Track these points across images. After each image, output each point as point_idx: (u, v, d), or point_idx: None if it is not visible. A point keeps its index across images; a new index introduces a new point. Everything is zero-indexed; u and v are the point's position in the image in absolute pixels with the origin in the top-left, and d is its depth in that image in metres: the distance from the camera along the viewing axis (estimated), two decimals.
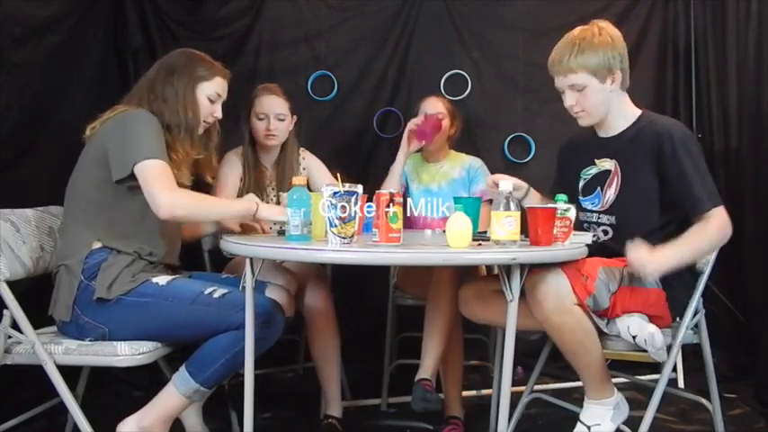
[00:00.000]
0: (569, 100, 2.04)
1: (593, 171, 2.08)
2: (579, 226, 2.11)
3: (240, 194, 2.49)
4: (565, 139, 2.31)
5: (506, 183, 1.72)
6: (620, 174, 2.02)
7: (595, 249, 2.01)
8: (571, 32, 2.03)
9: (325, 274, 2.58)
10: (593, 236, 2.08)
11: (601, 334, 1.86)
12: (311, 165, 2.69)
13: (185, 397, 1.84)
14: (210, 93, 2.05)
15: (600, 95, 2.00)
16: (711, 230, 1.87)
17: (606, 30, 2.01)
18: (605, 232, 2.04)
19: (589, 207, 2.09)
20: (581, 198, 2.11)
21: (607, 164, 2.05)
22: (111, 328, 1.84)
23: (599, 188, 2.05)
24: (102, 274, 1.86)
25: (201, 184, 2.19)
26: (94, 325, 1.85)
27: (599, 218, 2.06)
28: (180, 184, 1.94)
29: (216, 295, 1.85)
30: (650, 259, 1.80)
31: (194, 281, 1.98)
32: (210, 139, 2.15)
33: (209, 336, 1.84)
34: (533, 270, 1.76)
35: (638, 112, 2.07)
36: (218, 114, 2.10)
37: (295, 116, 2.60)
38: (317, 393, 2.42)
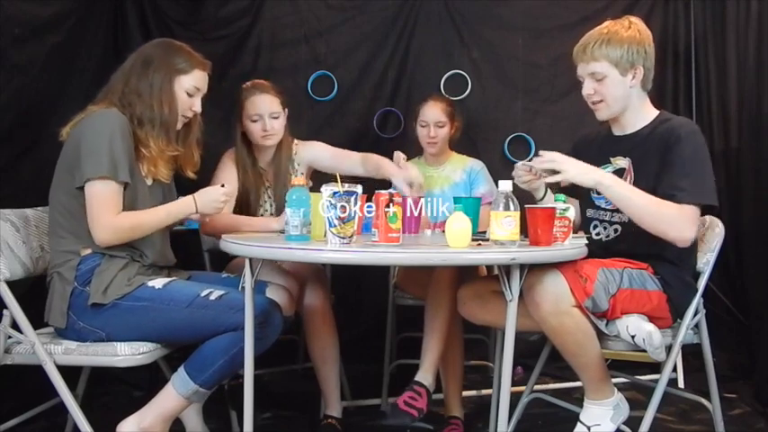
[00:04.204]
0: (587, 88, 2.03)
1: (609, 169, 2.06)
2: (588, 223, 2.12)
3: (238, 198, 2.41)
4: (579, 135, 2.30)
5: (506, 183, 1.72)
6: (632, 172, 2.01)
7: (597, 249, 2.01)
8: (603, 24, 2.04)
9: (324, 275, 2.57)
10: (596, 234, 2.08)
11: (600, 334, 1.86)
12: (308, 153, 2.57)
13: (184, 398, 1.84)
14: (189, 87, 1.98)
15: (619, 88, 2.00)
16: (667, 209, 1.84)
17: (636, 25, 2.01)
18: (616, 230, 2.04)
19: (603, 205, 2.07)
20: (595, 196, 2.09)
21: (621, 162, 2.04)
22: (109, 333, 1.83)
23: None
24: (97, 279, 1.85)
25: (183, 179, 2.12)
26: (91, 330, 1.83)
27: (612, 216, 2.04)
28: (157, 181, 1.97)
29: (212, 297, 1.84)
30: (579, 165, 1.88)
31: (191, 283, 1.97)
32: (191, 131, 2.08)
33: (208, 338, 1.83)
34: (531, 271, 1.76)
35: (656, 112, 2.06)
36: (197, 108, 2.03)
37: (287, 110, 2.48)
38: (317, 393, 2.42)
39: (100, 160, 1.82)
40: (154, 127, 1.93)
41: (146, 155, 1.94)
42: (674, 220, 1.84)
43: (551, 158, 1.89)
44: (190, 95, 2.00)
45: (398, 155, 2.45)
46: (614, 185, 1.89)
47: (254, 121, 2.41)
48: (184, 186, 2.13)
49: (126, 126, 1.89)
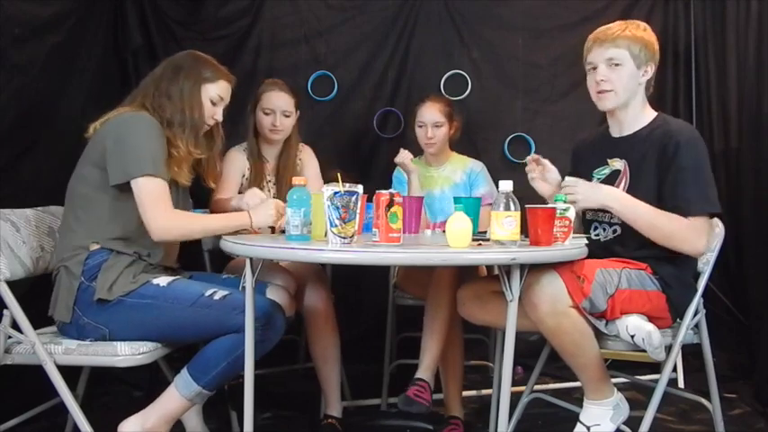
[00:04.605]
0: (600, 74, 2.01)
1: (606, 171, 2.07)
2: (588, 224, 2.12)
3: (242, 189, 2.49)
4: (577, 139, 2.31)
5: (507, 183, 1.72)
6: (628, 174, 2.01)
7: (596, 249, 2.01)
8: (616, 22, 2.06)
9: (325, 275, 2.58)
10: (596, 235, 2.08)
11: (600, 334, 1.86)
12: (304, 159, 2.71)
13: (187, 399, 1.84)
14: (213, 95, 2.06)
15: (632, 81, 2.01)
16: (678, 224, 1.87)
17: (649, 30, 2.05)
18: (615, 231, 2.04)
19: None
20: None
21: (617, 164, 2.05)
22: (112, 329, 1.84)
23: None
24: (103, 275, 1.86)
25: (200, 185, 2.19)
26: (95, 326, 1.85)
27: (611, 217, 2.04)
28: (175, 183, 1.98)
29: (216, 297, 1.85)
30: (586, 191, 1.90)
31: (195, 282, 1.98)
32: (214, 141, 2.17)
33: (210, 337, 1.84)
34: (530, 271, 1.75)
35: (654, 114, 2.06)
36: (219, 117, 2.10)
37: (298, 112, 2.62)
38: (317, 393, 2.42)
39: (142, 160, 1.87)
40: (184, 130, 1.99)
41: (174, 155, 1.98)
42: (686, 234, 1.87)
43: (570, 187, 1.92)
44: (213, 104, 2.08)
45: (405, 154, 2.49)
46: (621, 208, 1.91)
47: (267, 114, 2.55)
48: (190, 191, 2.16)
49: (160, 129, 1.96)
